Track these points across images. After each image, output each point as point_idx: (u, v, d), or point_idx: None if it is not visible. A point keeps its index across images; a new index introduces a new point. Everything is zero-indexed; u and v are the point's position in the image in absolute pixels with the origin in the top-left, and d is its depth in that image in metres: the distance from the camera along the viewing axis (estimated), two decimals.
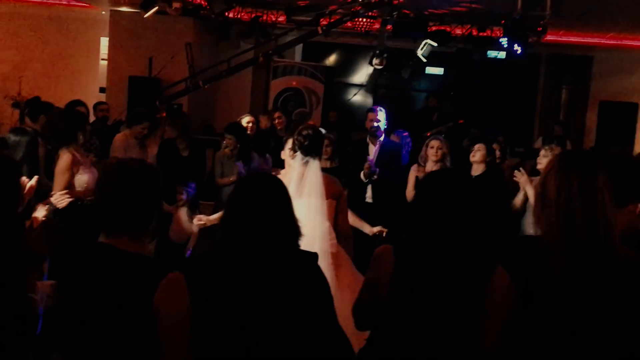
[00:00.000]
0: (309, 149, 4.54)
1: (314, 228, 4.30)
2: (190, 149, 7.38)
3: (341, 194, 4.72)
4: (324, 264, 4.24)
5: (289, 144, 4.80)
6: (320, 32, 8.63)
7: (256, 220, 2.63)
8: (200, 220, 4.85)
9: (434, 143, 6.61)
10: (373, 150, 6.88)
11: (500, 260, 2.48)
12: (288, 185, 4.22)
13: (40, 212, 4.14)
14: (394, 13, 7.58)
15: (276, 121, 9.27)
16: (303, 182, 4.49)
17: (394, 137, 8.34)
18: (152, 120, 7.35)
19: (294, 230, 2.74)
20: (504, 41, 10.15)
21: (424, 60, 11.42)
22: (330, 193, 4.57)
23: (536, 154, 6.52)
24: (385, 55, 7.74)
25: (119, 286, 2.29)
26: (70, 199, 4.70)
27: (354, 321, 2.94)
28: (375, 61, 7.75)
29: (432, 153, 6.54)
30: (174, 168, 7.03)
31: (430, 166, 6.48)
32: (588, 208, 2.32)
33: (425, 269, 2.61)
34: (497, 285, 2.47)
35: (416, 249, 2.66)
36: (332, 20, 9.08)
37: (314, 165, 4.55)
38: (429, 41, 10.95)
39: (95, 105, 10.06)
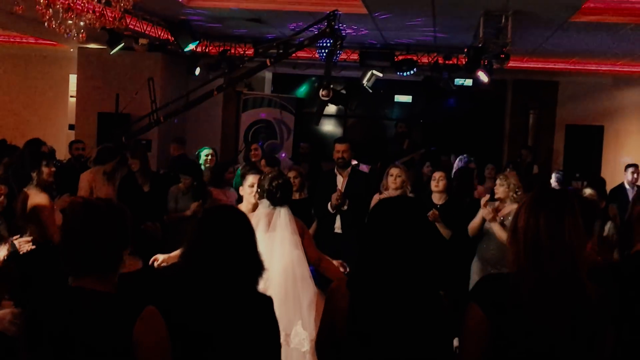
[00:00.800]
0: (281, 200, 4.53)
1: (290, 254, 4.35)
2: (151, 184, 7.35)
3: (304, 227, 4.73)
4: (304, 286, 4.26)
5: (249, 180, 4.81)
6: (268, 64, 8.68)
7: (218, 254, 2.63)
8: (157, 260, 4.75)
9: (393, 171, 6.63)
10: (341, 181, 6.89)
11: (473, 296, 2.48)
12: (255, 220, 4.25)
13: (1, 253, 4.11)
14: (338, 43, 7.65)
15: (252, 152, 9.21)
16: (273, 221, 4.48)
17: (363, 167, 8.40)
18: (121, 155, 7.33)
19: (256, 266, 2.73)
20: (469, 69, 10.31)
21: (370, 90, 11.52)
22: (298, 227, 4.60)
23: None
24: (332, 86, 7.77)
25: (94, 328, 2.26)
26: (33, 247, 4.66)
27: (318, 357, 2.93)
28: (322, 92, 7.76)
29: (392, 181, 6.57)
30: (135, 203, 6.98)
31: (391, 194, 6.48)
32: (556, 246, 2.35)
33: (379, 301, 2.59)
34: (470, 321, 2.45)
35: (368, 280, 2.64)
36: (281, 52, 9.11)
37: (283, 211, 4.54)
38: (374, 71, 11.08)
39: (71, 144, 10.01)
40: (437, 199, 6.56)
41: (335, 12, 7.51)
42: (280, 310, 3.00)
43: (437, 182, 6.54)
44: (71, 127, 13.00)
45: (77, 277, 2.37)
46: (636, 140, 13.76)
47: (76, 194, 6.96)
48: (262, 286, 2.76)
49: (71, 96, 13.27)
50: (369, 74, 11.22)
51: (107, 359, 2.26)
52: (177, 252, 4.90)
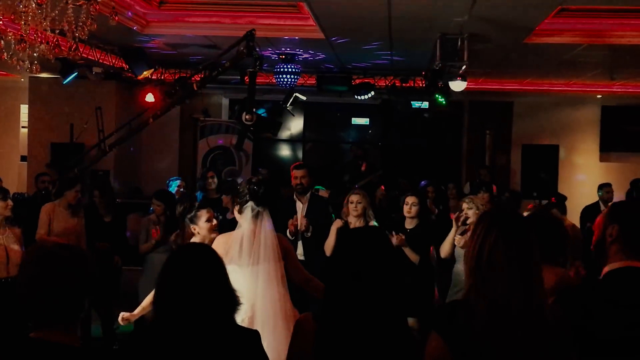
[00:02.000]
0: (263, 199, 4.29)
1: (277, 291, 4.16)
2: (113, 214, 7.39)
3: (288, 249, 4.52)
4: (291, 321, 4.08)
5: (203, 216, 4.68)
6: (195, 88, 8.55)
7: (189, 294, 2.54)
8: (124, 318, 4.57)
9: (354, 198, 6.47)
10: (300, 207, 6.81)
11: (434, 324, 2.42)
12: (237, 244, 4.09)
13: None
14: (257, 64, 7.55)
15: (208, 181, 9.02)
16: (257, 242, 4.23)
17: (322, 193, 8.33)
18: (80, 184, 7.19)
19: (231, 301, 2.65)
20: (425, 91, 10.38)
21: (292, 115, 11.43)
22: (282, 250, 4.35)
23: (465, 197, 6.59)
24: (255, 110, 7.69)
25: None
26: None
27: None
28: (246, 117, 7.67)
29: (352, 208, 6.43)
30: (96, 233, 7.02)
31: (353, 221, 6.40)
32: (510, 268, 2.29)
33: (345, 333, 2.52)
34: (432, 350, 2.38)
35: (334, 313, 2.57)
36: (205, 76, 8.97)
37: (266, 218, 4.30)
38: (297, 94, 11.04)
39: (37, 177, 9.72)
40: (408, 223, 6.47)
41: (252, 32, 7.38)
42: (270, 341, 2.89)
43: (410, 207, 6.42)
44: (23, 158, 12.70)
45: (37, 327, 2.18)
46: (590, 159, 14.01)
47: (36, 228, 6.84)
48: (247, 321, 2.65)
49: (23, 126, 12.98)
50: (293, 96, 11.09)
51: None
52: (139, 309, 4.75)
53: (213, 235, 4.68)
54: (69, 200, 6.88)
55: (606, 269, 2.71)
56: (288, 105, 10.96)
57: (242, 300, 3.40)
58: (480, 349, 2.28)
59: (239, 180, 11.78)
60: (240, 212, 4.36)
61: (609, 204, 9.12)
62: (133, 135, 9.12)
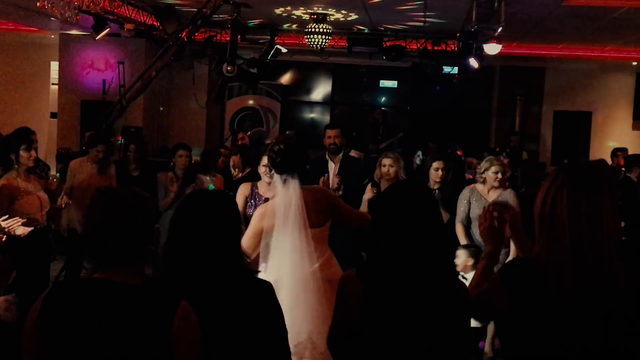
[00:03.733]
0: (283, 166, 4.16)
1: (303, 258, 4.05)
2: (142, 169, 7.46)
3: (332, 198, 4.44)
4: (317, 298, 4.04)
5: (263, 160, 4.62)
6: (186, 40, 8.34)
7: (201, 235, 2.53)
8: None
9: (385, 161, 6.49)
10: (333, 167, 6.77)
11: (501, 278, 2.39)
12: (279, 209, 4.06)
13: None
14: (235, 12, 7.31)
15: (239, 142, 9.09)
16: (289, 209, 4.12)
17: (354, 153, 8.28)
18: (106, 143, 7.22)
19: (236, 253, 2.62)
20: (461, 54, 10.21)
21: (271, 64, 11.03)
22: (322, 209, 4.25)
23: None
24: (238, 63, 7.50)
25: (130, 324, 2.14)
26: (23, 221, 4.57)
27: (330, 352, 2.84)
28: (227, 68, 7.53)
29: (385, 172, 6.45)
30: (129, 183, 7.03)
31: (385, 185, 6.38)
32: (594, 229, 2.24)
33: (394, 288, 2.52)
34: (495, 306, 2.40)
35: (381, 268, 2.56)
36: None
37: (294, 186, 4.16)
38: (278, 46, 10.75)
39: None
40: (433, 184, 6.51)
41: None
42: (288, 317, 2.86)
43: (438, 171, 6.48)
44: (53, 115, 12.77)
45: (102, 269, 2.25)
46: (623, 127, 13.79)
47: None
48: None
49: (53, 83, 13.03)
50: (274, 49, 10.76)
51: (144, 355, 2.15)
52: None
53: (267, 180, 4.66)
54: (92, 158, 6.95)
55: None
56: (269, 57, 10.71)
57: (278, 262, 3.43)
58: (550, 308, 2.26)
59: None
60: (271, 178, 4.32)
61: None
62: (143, 91, 9.11)
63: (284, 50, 10.99)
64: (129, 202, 2.27)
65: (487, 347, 5.92)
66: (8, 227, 4.37)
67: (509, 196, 5.95)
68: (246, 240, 3.94)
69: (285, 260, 4.08)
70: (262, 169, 4.85)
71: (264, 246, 4.15)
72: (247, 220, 4.37)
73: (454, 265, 2.61)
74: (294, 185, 4.16)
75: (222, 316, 2.49)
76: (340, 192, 6.57)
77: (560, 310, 2.25)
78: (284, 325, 2.65)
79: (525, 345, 2.33)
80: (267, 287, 2.67)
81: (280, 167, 4.15)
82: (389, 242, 2.57)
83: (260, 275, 4.08)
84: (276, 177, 4.20)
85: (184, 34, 8.57)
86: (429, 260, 2.53)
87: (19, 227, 4.50)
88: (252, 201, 4.97)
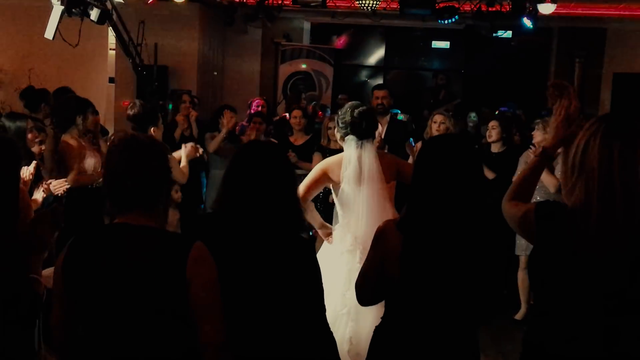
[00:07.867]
0: (366, 132, 4.16)
1: (380, 213, 4.05)
2: (191, 130, 7.74)
3: (401, 164, 4.45)
4: None
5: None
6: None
7: (252, 190, 2.56)
8: None
9: (437, 118, 6.64)
10: (379, 129, 6.77)
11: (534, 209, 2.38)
12: (354, 172, 4.10)
13: (39, 195, 4.14)
14: None
15: (292, 121, 7.92)
16: (362, 168, 4.15)
17: (403, 116, 8.26)
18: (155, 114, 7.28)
19: (293, 206, 2.66)
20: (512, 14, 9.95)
21: None
22: (389, 173, 4.26)
23: None
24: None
25: (146, 264, 2.25)
26: (68, 186, 4.70)
27: (357, 297, 2.89)
28: None
29: (435, 128, 6.56)
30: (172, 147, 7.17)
31: None
32: (627, 178, 2.20)
33: (434, 239, 2.56)
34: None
35: (421, 220, 2.59)
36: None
37: (369, 148, 4.18)
38: None
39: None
40: (494, 147, 6.66)
41: None
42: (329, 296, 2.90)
43: (490, 131, 6.63)
44: (111, 80, 13.04)
45: (121, 214, 2.35)
46: None
47: None
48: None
49: (111, 49, 13.26)
50: None
51: (159, 295, 2.24)
52: None
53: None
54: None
55: None
56: None
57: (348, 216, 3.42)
58: (571, 254, 2.25)
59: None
60: (342, 139, 4.27)
61: None
62: None
63: None
64: (144, 145, 2.37)
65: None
66: (54, 187, 4.50)
67: None
68: (301, 190, 4.02)
69: (362, 220, 4.13)
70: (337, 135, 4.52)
71: (339, 205, 4.23)
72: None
73: (493, 220, 2.60)
74: (369, 147, 4.20)
75: (250, 265, 2.53)
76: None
77: (582, 257, 2.24)
78: (319, 284, 2.67)
79: (547, 284, 2.34)
80: (306, 244, 2.71)
81: (365, 132, 4.17)
82: (429, 194, 2.60)
83: (336, 233, 4.14)
84: (351, 142, 4.20)
85: None
86: (468, 214, 2.55)
87: (60, 188, 4.60)
88: None
